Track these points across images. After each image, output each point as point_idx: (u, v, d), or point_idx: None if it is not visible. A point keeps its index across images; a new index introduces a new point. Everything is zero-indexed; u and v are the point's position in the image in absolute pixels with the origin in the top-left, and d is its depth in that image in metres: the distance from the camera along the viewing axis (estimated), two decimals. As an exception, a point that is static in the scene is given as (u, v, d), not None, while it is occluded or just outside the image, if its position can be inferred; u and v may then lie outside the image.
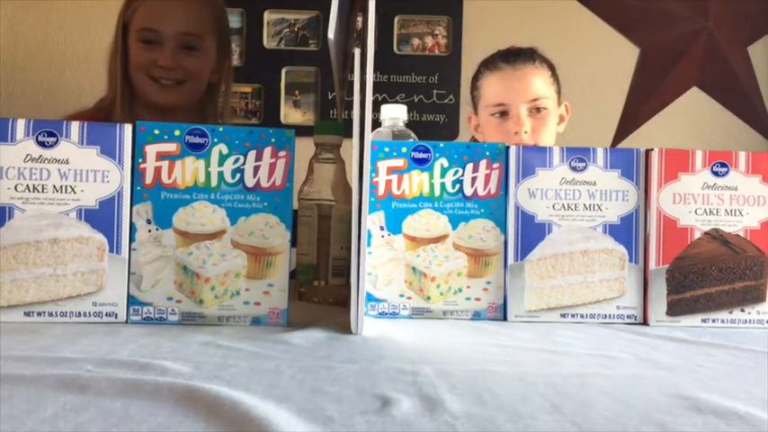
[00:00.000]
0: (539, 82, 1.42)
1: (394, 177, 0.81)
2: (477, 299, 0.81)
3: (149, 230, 0.72)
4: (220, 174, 0.73)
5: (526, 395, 0.47)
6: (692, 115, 2.37)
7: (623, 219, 0.82)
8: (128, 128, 0.73)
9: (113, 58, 1.34)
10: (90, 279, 0.71)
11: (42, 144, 0.71)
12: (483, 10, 2.32)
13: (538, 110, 1.40)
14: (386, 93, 2.30)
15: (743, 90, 2.39)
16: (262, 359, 0.56)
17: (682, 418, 0.43)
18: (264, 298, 0.73)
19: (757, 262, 0.82)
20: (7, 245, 0.70)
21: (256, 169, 0.73)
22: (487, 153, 0.81)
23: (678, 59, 2.37)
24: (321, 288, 0.91)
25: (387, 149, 0.80)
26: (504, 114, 1.41)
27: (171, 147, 0.72)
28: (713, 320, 0.82)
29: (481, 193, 0.81)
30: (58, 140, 0.71)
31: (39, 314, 0.71)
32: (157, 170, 0.72)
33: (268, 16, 2.32)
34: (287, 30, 2.33)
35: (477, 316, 0.82)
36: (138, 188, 0.72)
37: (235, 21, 2.26)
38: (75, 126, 0.72)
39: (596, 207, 0.82)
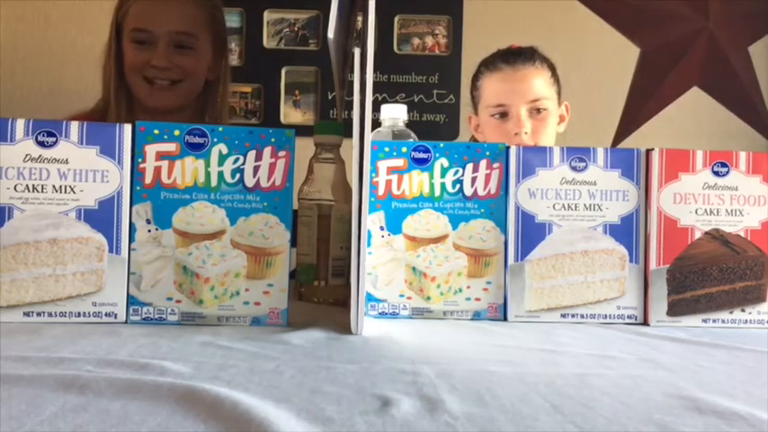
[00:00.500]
0: (539, 83, 1.41)
1: (394, 177, 0.81)
2: (478, 299, 0.81)
3: (149, 230, 0.72)
4: (220, 174, 0.73)
5: (526, 395, 0.47)
6: (693, 115, 2.37)
7: (624, 219, 0.82)
8: (127, 128, 0.73)
9: (107, 60, 1.34)
10: (89, 279, 0.71)
11: (42, 144, 0.71)
12: (483, 10, 2.32)
13: (538, 111, 1.40)
14: (386, 93, 2.30)
15: (743, 90, 2.39)
16: (261, 359, 0.56)
17: (682, 419, 0.43)
18: (264, 298, 0.73)
19: (758, 262, 0.82)
20: (7, 245, 0.70)
21: (256, 169, 0.73)
22: (487, 153, 0.81)
23: (678, 59, 2.37)
24: (321, 288, 0.91)
25: (387, 149, 0.80)
26: (504, 115, 1.41)
27: (170, 147, 0.72)
28: (714, 321, 0.82)
29: (481, 193, 0.81)
30: (57, 140, 0.71)
31: (38, 314, 0.71)
32: (157, 170, 0.72)
33: (268, 16, 2.32)
34: (287, 29, 2.33)
35: (477, 316, 0.81)
36: (138, 188, 0.72)
37: (234, 20, 2.26)
38: (74, 126, 0.72)
39: (597, 207, 0.81)
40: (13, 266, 0.70)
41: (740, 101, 2.39)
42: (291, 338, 0.65)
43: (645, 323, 0.82)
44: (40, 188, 0.71)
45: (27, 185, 0.71)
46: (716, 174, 0.82)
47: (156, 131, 0.72)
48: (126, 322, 0.72)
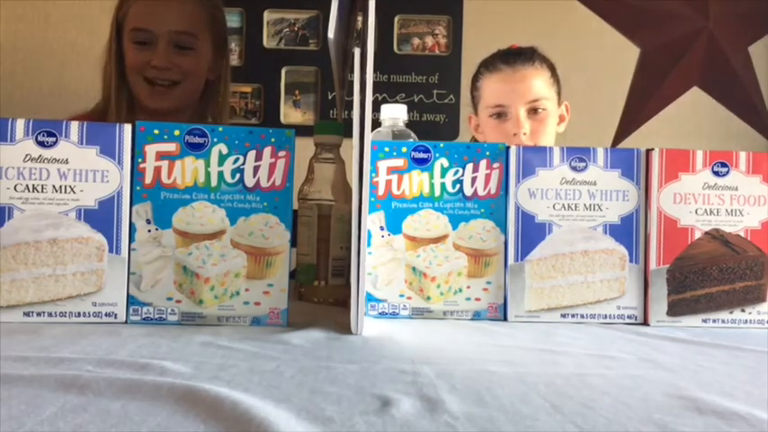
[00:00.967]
0: (538, 83, 1.41)
1: (394, 177, 0.81)
2: (478, 299, 0.81)
3: (149, 230, 0.72)
4: (220, 174, 0.73)
5: (526, 395, 0.47)
6: (693, 115, 2.37)
7: (624, 219, 0.82)
8: (127, 128, 0.73)
9: (107, 60, 1.33)
10: (89, 279, 0.71)
11: (42, 144, 0.71)
12: (483, 10, 2.32)
13: (537, 111, 1.40)
14: (386, 93, 2.30)
15: (743, 90, 2.39)
16: (261, 359, 0.56)
17: (682, 419, 0.43)
18: (264, 298, 0.73)
19: (758, 262, 0.82)
20: (7, 245, 0.70)
21: (256, 169, 0.73)
22: (488, 153, 0.81)
23: (678, 59, 2.37)
24: (321, 288, 0.91)
25: (387, 149, 0.80)
26: (503, 116, 1.41)
27: (170, 147, 0.72)
28: (714, 321, 0.82)
29: (481, 193, 0.81)
30: (57, 140, 0.71)
31: (38, 314, 0.70)
32: (157, 170, 0.72)
33: (268, 16, 2.32)
34: (287, 29, 2.33)
35: (477, 316, 0.81)
36: (138, 188, 0.72)
37: (234, 20, 2.26)
38: (74, 126, 0.72)
39: (597, 207, 0.81)
40: (13, 266, 0.70)
41: (740, 101, 2.39)
42: (291, 338, 0.65)
43: (645, 323, 0.82)
44: (40, 188, 0.71)
45: (27, 185, 0.71)
46: (716, 174, 0.82)
47: (156, 131, 0.72)
48: (126, 322, 0.72)
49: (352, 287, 0.67)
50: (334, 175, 0.93)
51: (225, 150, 0.73)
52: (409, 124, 0.99)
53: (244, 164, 0.73)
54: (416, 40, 2.35)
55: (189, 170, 0.72)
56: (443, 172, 0.81)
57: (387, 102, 1.27)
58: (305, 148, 0.91)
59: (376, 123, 0.82)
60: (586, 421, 0.42)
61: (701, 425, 0.42)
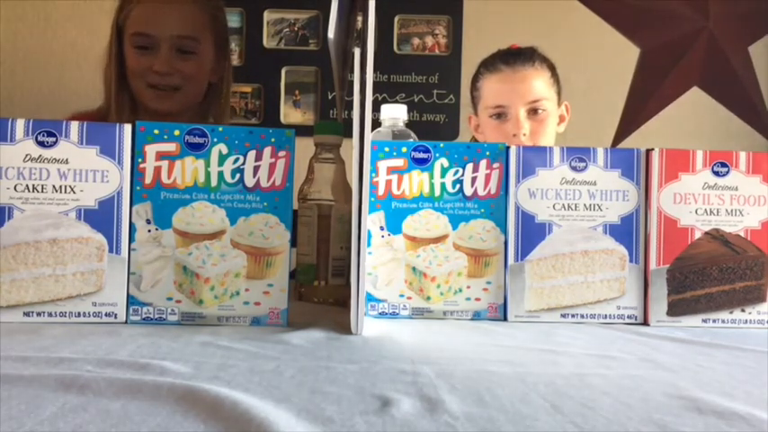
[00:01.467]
0: (538, 84, 1.41)
1: (394, 177, 0.81)
2: (478, 299, 0.81)
3: (149, 230, 0.72)
4: (220, 174, 0.73)
5: (526, 395, 0.47)
6: (693, 115, 2.37)
7: (624, 219, 0.82)
8: (127, 128, 0.73)
9: (108, 64, 1.32)
10: (89, 279, 0.71)
11: (42, 144, 0.71)
12: (483, 10, 2.32)
13: (537, 112, 1.40)
14: (386, 93, 2.30)
15: (743, 90, 2.39)
16: (261, 359, 0.56)
17: (682, 419, 0.43)
18: (264, 298, 0.73)
19: (758, 262, 0.82)
20: (7, 245, 0.70)
21: (256, 169, 0.73)
22: (488, 153, 0.81)
23: (678, 59, 2.37)
24: (321, 288, 0.91)
25: (387, 149, 0.80)
26: (503, 116, 1.41)
27: (170, 147, 0.72)
28: (714, 321, 0.82)
29: (481, 193, 0.81)
30: (57, 140, 0.71)
31: (38, 314, 0.71)
32: (157, 170, 0.72)
33: (268, 16, 2.32)
34: (287, 29, 2.33)
35: (477, 316, 0.81)
36: (138, 188, 0.72)
37: (234, 20, 2.26)
38: (74, 126, 0.72)
39: (597, 207, 0.81)
40: (13, 266, 0.70)
41: (740, 101, 2.39)
42: (291, 338, 0.65)
43: (645, 323, 0.82)
44: (40, 188, 0.71)
45: (27, 185, 0.71)
46: (716, 174, 0.82)
47: (156, 131, 0.72)
48: (126, 322, 0.72)
49: (352, 287, 0.67)
50: (334, 175, 0.93)
51: (225, 150, 0.73)
52: (409, 124, 0.99)
53: (244, 164, 0.73)
54: (416, 40, 2.35)
55: (189, 170, 0.72)
56: (443, 172, 0.81)
57: (387, 102, 1.27)
58: (305, 148, 0.91)
59: (376, 123, 0.82)
60: (586, 421, 0.42)
61: (701, 425, 0.42)
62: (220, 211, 0.73)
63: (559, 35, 2.17)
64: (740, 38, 2.38)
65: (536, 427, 0.40)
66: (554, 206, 0.81)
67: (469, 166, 0.81)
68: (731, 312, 0.82)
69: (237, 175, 0.73)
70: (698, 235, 0.82)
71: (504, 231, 0.81)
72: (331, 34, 0.73)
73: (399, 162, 0.81)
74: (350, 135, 0.70)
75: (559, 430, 0.40)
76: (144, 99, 1.31)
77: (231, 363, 0.54)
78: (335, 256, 0.91)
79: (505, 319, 0.81)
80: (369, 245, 0.79)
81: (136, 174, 0.72)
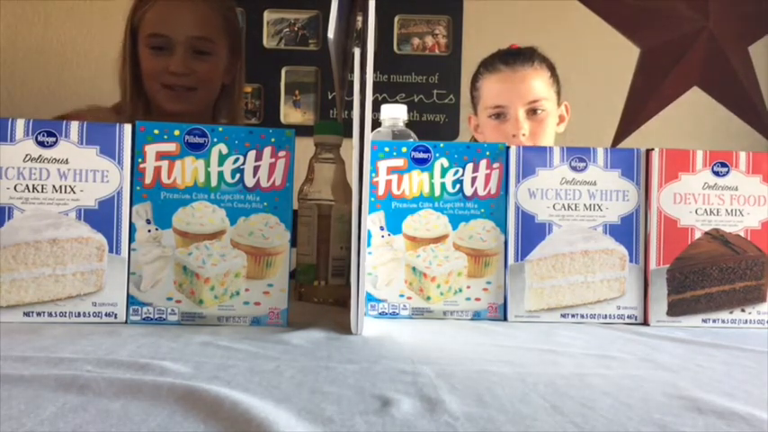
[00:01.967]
0: (538, 84, 1.41)
1: (394, 177, 0.81)
2: (478, 299, 0.81)
3: (149, 230, 0.72)
4: (220, 174, 0.73)
5: (526, 395, 0.47)
6: (693, 115, 2.37)
7: (624, 219, 0.82)
8: (127, 128, 0.73)
9: (122, 66, 1.32)
10: (89, 279, 0.71)
11: (42, 144, 0.71)
12: (483, 10, 2.32)
13: (536, 112, 1.40)
14: (386, 93, 2.30)
15: (743, 90, 2.39)
16: (261, 359, 0.56)
17: (682, 419, 0.43)
18: (264, 298, 0.73)
19: (758, 262, 0.82)
20: (7, 245, 0.70)
21: (256, 169, 0.73)
22: (488, 153, 0.81)
23: (678, 59, 2.37)
24: (321, 288, 0.91)
25: (387, 149, 0.80)
26: (503, 116, 1.41)
27: (170, 146, 0.72)
28: (714, 321, 0.82)
29: (481, 193, 0.81)
30: (57, 140, 0.71)
31: (38, 314, 0.71)
32: (157, 170, 0.72)
33: (268, 16, 2.32)
34: (287, 29, 2.33)
35: (477, 316, 0.81)
36: (138, 188, 0.72)
37: (235, 21, 2.26)
38: (74, 126, 0.72)
39: (597, 207, 0.81)
40: (13, 266, 0.70)
41: (740, 101, 2.39)
42: (291, 338, 0.65)
43: (645, 323, 0.82)
44: (40, 188, 0.71)
45: (27, 185, 0.71)
46: (716, 174, 0.82)
47: (155, 131, 0.72)
48: (126, 322, 0.72)
49: (352, 287, 0.67)
50: (335, 175, 0.93)
51: (225, 150, 0.73)
52: (409, 124, 0.99)
53: (244, 164, 0.73)
54: (416, 40, 2.35)
55: (189, 170, 0.72)
56: (443, 172, 0.81)
57: (387, 102, 1.27)
58: (305, 148, 0.91)
59: (376, 123, 0.82)
60: (586, 421, 0.42)
61: (701, 425, 0.42)
62: (220, 211, 0.73)
63: (559, 35, 2.17)
64: (740, 38, 2.38)
65: (536, 427, 0.40)
66: (554, 206, 0.81)
67: (469, 166, 0.81)
68: (731, 312, 0.82)
69: (237, 175, 0.73)
70: (698, 235, 0.82)
71: (504, 231, 0.81)
72: (331, 34, 0.73)
73: (399, 162, 0.81)
74: (350, 135, 0.70)
75: (559, 430, 0.40)
76: (159, 100, 1.30)
77: (231, 363, 0.54)
78: (335, 256, 0.91)
79: (505, 319, 0.81)
80: (369, 245, 0.79)
81: (136, 174, 0.72)
